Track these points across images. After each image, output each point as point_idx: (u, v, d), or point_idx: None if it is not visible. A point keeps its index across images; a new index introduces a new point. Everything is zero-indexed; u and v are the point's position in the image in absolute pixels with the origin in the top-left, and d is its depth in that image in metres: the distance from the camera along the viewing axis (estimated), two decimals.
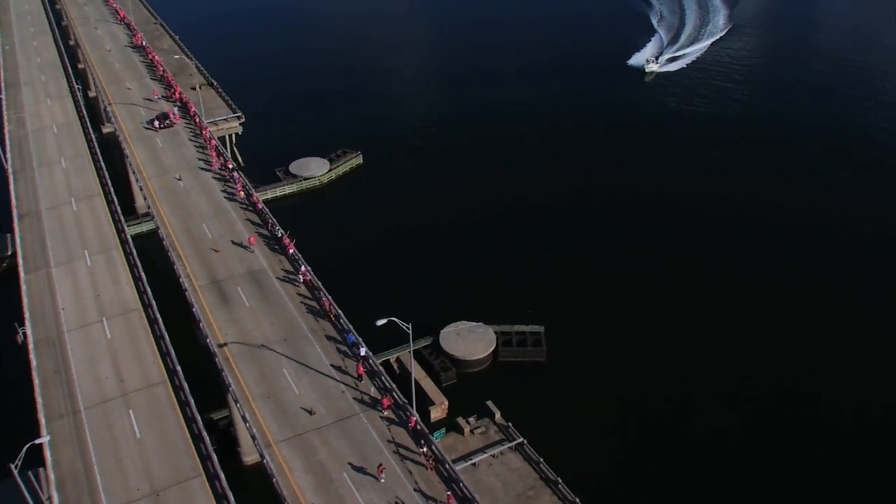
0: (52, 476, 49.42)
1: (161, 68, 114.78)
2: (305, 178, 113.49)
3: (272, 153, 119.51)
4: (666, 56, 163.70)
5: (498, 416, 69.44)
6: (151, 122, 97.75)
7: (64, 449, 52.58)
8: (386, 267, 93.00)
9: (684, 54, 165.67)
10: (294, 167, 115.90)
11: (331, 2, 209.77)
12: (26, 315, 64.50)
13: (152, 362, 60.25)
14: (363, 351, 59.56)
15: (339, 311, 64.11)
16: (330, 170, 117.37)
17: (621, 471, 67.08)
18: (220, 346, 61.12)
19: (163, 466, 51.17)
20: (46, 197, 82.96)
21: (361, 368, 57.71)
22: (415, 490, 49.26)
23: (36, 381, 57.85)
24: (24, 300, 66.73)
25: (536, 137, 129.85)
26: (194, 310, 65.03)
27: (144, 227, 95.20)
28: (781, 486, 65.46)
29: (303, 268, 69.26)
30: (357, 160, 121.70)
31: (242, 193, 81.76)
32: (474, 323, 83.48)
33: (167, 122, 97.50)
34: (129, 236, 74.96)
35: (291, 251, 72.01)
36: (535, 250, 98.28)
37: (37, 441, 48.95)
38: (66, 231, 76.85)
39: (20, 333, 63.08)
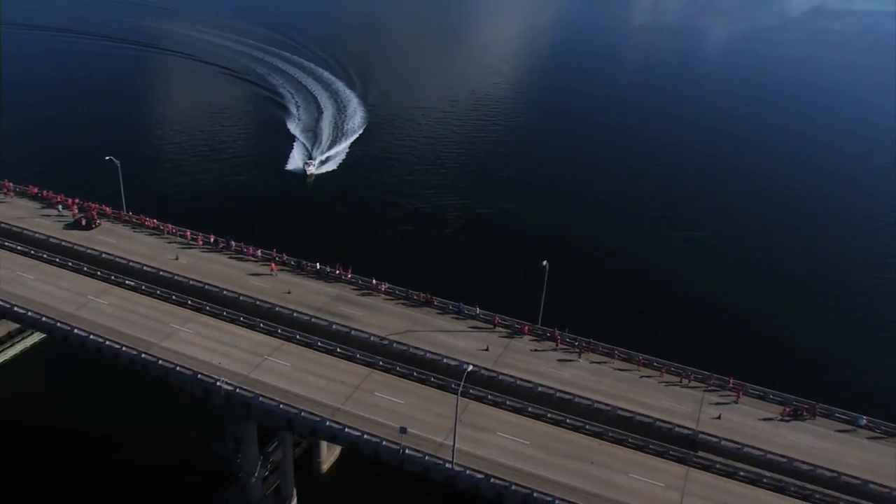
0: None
1: None
2: None
3: None
4: (319, 158, 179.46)
5: None
6: None
7: None
8: None
9: (334, 154, 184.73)
10: None
11: None
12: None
13: (346, 366, 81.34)
14: (477, 310, 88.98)
15: (434, 297, 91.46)
16: None
17: None
18: (382, 339, 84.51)
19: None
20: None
21: (497, 319, 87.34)
22: (591, 362, 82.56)
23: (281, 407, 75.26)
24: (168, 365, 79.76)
25: None
26: (334, 327, 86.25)
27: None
28: None
29: (374, 280, 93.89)
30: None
31: (232, 245, 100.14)
32: None
33: None
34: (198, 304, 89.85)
35: (349, 276, 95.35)
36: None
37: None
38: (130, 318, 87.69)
39: (221, 382, 77.48)
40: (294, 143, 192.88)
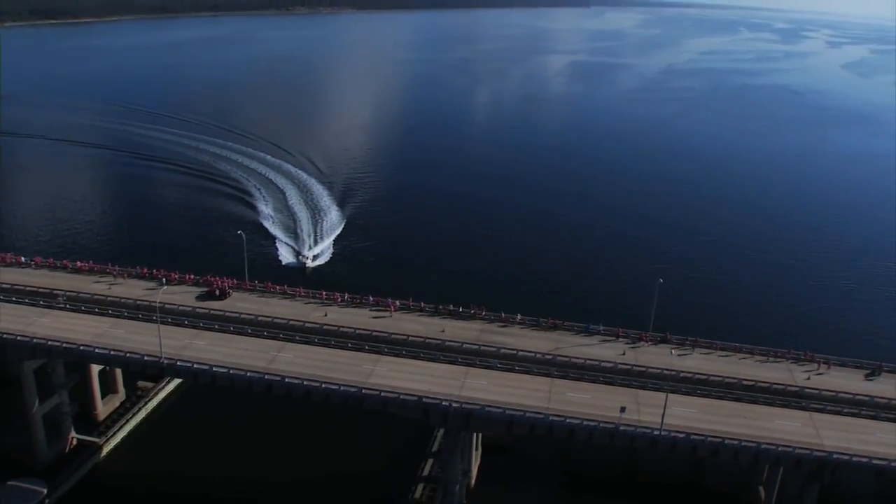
0: None
1: None
2: None
3: None
4: (311, 252, 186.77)
5: None
6: None
7: None
8: None
9: (323, 250, 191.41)
10: None
11: None
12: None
13: (530, 378, 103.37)
14: (601, 328, 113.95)
15: (563, 321, 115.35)
16: None
17: None
18: (546, 355, 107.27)
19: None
20: None
21: (620, 331, 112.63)
22: (701, 353, 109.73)
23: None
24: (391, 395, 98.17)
25: None
26: (501, 351, 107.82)
27: None
28: None
29: (503, 314, 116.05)
30: None
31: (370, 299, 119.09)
32: None
33: None
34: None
35: (483, 313, 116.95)
36: None
37: None
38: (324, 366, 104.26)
39: (447, 401, 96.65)
40: (272, 242, 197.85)
